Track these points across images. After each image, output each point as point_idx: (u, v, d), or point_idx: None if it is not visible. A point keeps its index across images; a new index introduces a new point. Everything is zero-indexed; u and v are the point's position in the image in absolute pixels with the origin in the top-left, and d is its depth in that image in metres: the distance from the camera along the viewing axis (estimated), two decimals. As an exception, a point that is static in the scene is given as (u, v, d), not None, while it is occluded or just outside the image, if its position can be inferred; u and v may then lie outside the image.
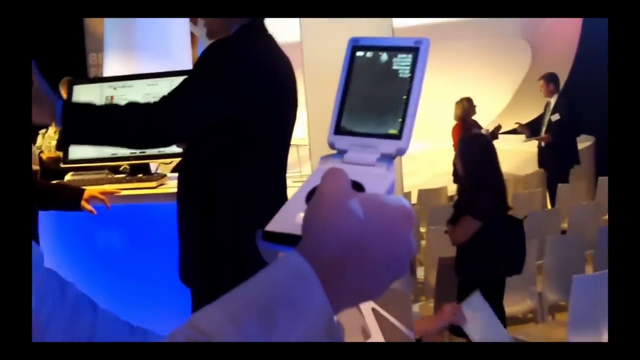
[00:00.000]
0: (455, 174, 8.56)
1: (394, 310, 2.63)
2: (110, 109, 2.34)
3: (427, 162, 10.55)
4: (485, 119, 9.51)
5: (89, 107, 2.34)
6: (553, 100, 8.47)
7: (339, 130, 0.77)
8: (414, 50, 0.75)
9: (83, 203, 2.94)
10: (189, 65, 6.07)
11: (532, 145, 8.96)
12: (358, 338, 2.66)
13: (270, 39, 2.51)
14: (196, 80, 2.34)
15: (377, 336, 2.64)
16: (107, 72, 6.91)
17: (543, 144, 8.58)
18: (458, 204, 4.24)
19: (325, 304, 0.64)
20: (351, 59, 0.78)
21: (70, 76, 3.75)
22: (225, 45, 2.39)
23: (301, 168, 6.43)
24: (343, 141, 0.76)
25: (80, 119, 2.21)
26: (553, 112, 8.39)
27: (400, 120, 0.75)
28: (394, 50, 0.76)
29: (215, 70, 2.33)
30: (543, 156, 8.69)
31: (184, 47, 7.01)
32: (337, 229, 0.66)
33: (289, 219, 0.72)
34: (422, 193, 7.78)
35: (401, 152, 0.75)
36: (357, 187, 0.71)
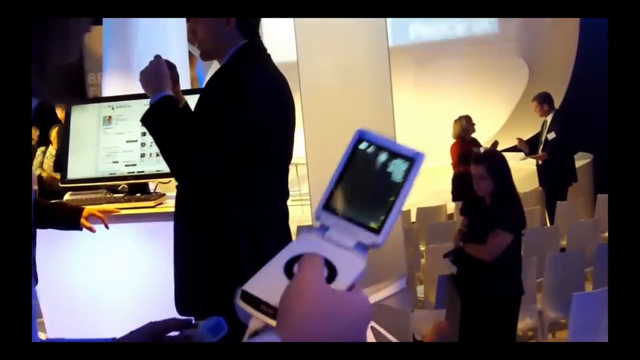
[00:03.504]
0: (457, 191, 8.56)
1: (392, 328, 2.63)
2: (185, 141, 2.41)
3: (425, 180, 10.53)
4: (483, 136, 9.52)
5: (178, 115, 2.48)
6: (549, 119, 8.49)
7: (327, 206, 0.82)
8: (410, 160, 0.81)
9: (82, 221, 2.94)
10: (187, 85, 6.08)
11: (530, 163, 8.98)
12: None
13: (269, 59, 2.53)
14: (214, 121, 2.37)
15: (376, 355, 2.63)
16: (106, 92, 6.92)
17: (540, 162, 8.60)
18: (480, 221, 4.22)
19: None
20: (354, 147, 0.82)
21: (68, 103, 3.74)
22: (230, 76, 2.42)
23: (300, 187, 6.43)
24: (328, 218, 0.82)
25: (164, 117, 2.44)
26: (549, 131, 8.41)
27: (382, 218, 0.80)
28: (394, 154, 0.81)
29: (228, 105, 2.36)
30: (542, 174, 8.70)
31: (182, 66, 7.02)
32: (310, 323, 0.73)
33: (268, 284, 0.78)
34: (420, 211, 7.78)
35: (376, 246, 0.80)
36: (331, 268, 0.78)
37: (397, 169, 0.81)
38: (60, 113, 8.50)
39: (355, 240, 0.80)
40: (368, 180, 0.82)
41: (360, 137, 0.82)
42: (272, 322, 0.78)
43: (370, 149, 0.82)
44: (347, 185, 0.82)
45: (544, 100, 8.61)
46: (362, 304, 0.78)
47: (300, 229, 0.81)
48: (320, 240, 0.81)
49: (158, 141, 2.51)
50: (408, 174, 0.80)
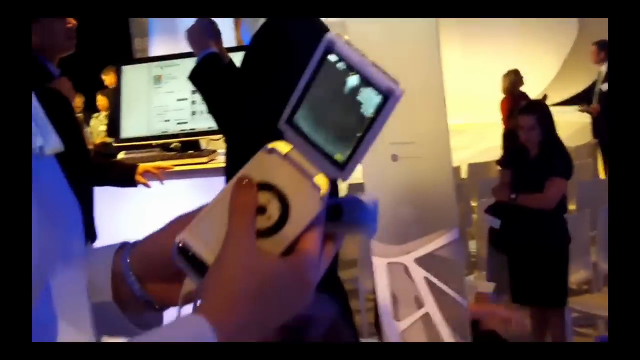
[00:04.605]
0: (510, 144, 8.47)
1: (447, 279, 2.62)
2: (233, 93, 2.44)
3: (474, 136, 10.45)
4: (532, 90, 9.37)
5: (224, 71, 2.52)
6: (604, 69, 8.30)
7: (291, 121, 0.71)
8: (384, 95, 0.67)
9: (138, 177, 2.99)
10: (232, 44, 6.09)
11: (582, 116, 8.83)
12: (411, 308, 2.66)
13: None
14: (261, 76, 2.39)
15: (430, 305, 2.64)
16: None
17: (594, 114, 8.44)
18: (529, 171, 4.21)
19: None
20: (322, 58, 0.69)
21: (117, 61, 3.79)
22: (275, 29, 2.43)
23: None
24: (291, 135, 0.71)
25: (211, 74, 2.48)
26: (604, 81, 8.22)
27: (349, 153, 0.69)
28: (366, 81, 0.67)
29: (274, 59, 2.37)
30: (597, 126, 8.53)
31: (227, 28, 7.04)
32: (243, 293, 0.68)
33: (209, 230, 0.71)
34: (471, 167, 7.73)
35: (339, 180, 0.72)
36: (283, 204, 0.70)
37: (367, 101, 0.67)
38: (105, 78, 8.63)
39: (318, 170, 0.71)
40: (335, 102, 0.69)
41: (328, 47, 0.68)
42: None
43: (340, 65, 0.68)
44: (313, 102, 0.70)
45: (604, 46, 8.37)
46: (302, 271, 0.70)
47: (264, 147, 0.72)
48: (281, 161, 0.71)
49: (206, 97, 2.55)
50: (380, 111, 0.67)
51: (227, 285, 0.68)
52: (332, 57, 0.68)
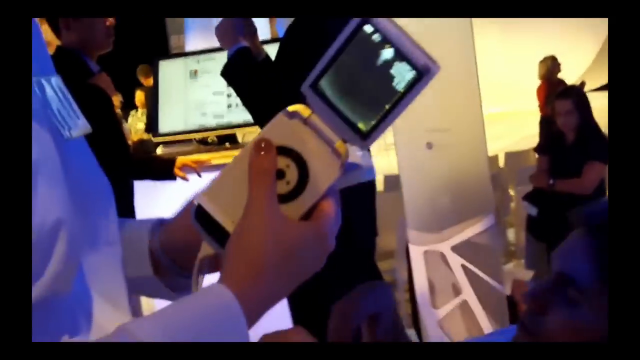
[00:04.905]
0: (547, 131, 8.40)
1: (484, 265, 2.63)
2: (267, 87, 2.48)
3: (511, 124, 10.38)
4: (570, 77, 9.28)
5: (255, 65, 2.55)
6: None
7: (315, 86, 0.70)
8: (418, 71, 0.67)
9: (176, 171, 3.04)
10: (268, 37, 6.13)
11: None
12: (449, 295, 2.67)
13: None
14: (295, 69, 2.42)
15: (468, 292, 2.65)
16: (190, 52, 7.05)
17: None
18: (567, 157, 4.20)
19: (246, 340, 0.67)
20: (358, 27, 0.68)
21: (155, 58, 3.85)
22: (309, 21, 2.46)
23: (385, 136, 6.44)
24: (314, 100, 0.70)
25: (242, 68, 2.51)
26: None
27: (374, 123, 0.69)
28: (401, 55, 0.67)
29: (308, 51, 2.40)
30: None
31: (262, 22, 7.08)
32: (267, 262, 0.68)
33: (228, 195, 0.70)
34: (508, 155, 7.69)
35: (360, 149, 0.70)
36: (302, 168, 0.70)
37: (400, 75, 0.67)
38: (141, 77, 8.72)
39: (339, 137, 0.70)
40: (365, 72, 0.68)
41: (367, 18, 0.68)
42: (223, 253, 0.70)
43: (375, 37, 0.67)
44: (341, 70, 0.69)
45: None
46: (321, 235, 0.71)
47: (284, 110, 0.72)
48: (301, 125, 0.71)
49: (239, 92, 2.59)
50: (412, 87, 0.67)
51: (251, 254, 0.68)
52: (367, 28, 0.68)
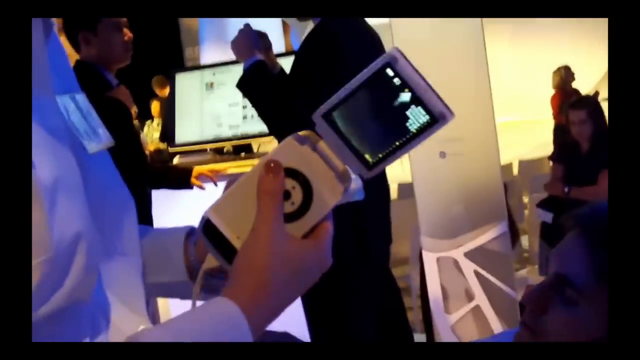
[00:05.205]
0: (561, 139, 8.41)
1: (496, 271, 2.66)
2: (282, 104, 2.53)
3: (525, 133, 10.38)
4: (584, 86, 9.28)
5: (270, 78, 2.59)
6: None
7: (328, 115, 0.73)
8: (433, 117, 0.71)
9: (193, 180, 3.09)
10: (282, 50, 6.19)
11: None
12: (462, 301, 2.71)
13: (362, 18, 2.61)
14: (309, 82, 2.47)
15: (480, 298, 2.68)
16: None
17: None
18: (582, 165, 4.23)
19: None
20: (381, 69, 0.71)
21: (169, 70, 3.91)
22: (324, 35, 2.50)
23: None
24: (324, 129, 0.74)
25: (258, 81, 2.56)
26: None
27: (381, 156, 0.73)
28: (419, 101, 0.71)
29: (323, 66, 2.44)
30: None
31: (276, 34, 7.15)
32: (274, 278, 0.72)
33: (235, 212, 0.74)
34: (522, 164, 7.70)
35: (362, 179, 0.75)
36: (306, 190, 0.74)
37: (415, 118, 0.71)
38: (157, 88, 8.81)
39: (344, 164, 0.74)
40: (380, 111, 0.72)
41: (390, 63, 0.71)
42: (227, 266, 0.74)
43: (396, 81, 0.71)
44: (357, 104, 0.72)
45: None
46: (321, 253, 0.75)
47: (294, 134, 0.76)
48: (310, 151, 0.75)
49: (255, 104, 2.63)
50: (424, 130, 0.71)
51: (258, 270, 0.72)
52: (389, 72, 0.71)
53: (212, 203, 0.76)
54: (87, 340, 0.75)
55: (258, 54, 2.61)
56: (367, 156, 0.73)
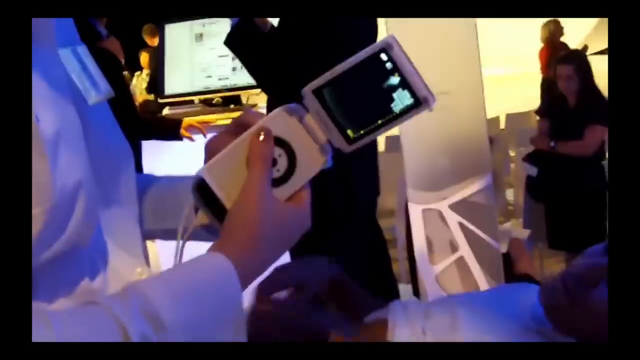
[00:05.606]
0: (549, 94, 8.43)
1: (480, 223, 2.70)
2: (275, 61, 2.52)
3: (513, 86, 10.39)
4: (572, 40, 9.27)
5: (259, 35, 2.55)
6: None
7: (317, 91, 0.79)
8: (417, 100, 0.77)
9: (182, 131, 3.11)
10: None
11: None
12: (446, 252, 2.75)
13: None
14: (298, 36, 2.46)
15: (464, 249, 2.73)
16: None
17: None
18: (568, 119, 4.26)
19: (241, 314, 0.75)
20: (376, 52, 0.77)
21: (161, 21, 3.90)
22: None
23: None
24: (312, 102, 0.79)
25: (245, 38, 2.52)
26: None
27: (362, 132, 0.79)
28: (406, 84, 0.77)
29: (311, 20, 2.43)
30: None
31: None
32: (262, 235, 0.77)
33: (227, 173, 0.79)
34: (509, 117, 7.73)
35: (342, 151, 0.81)
36: (291, 158, 0.80)
37: (400, 100, 0.77)
38: (147, 37, 8.72)
39: (327, 137, 0.80)
40: (368, 91, 0.78)
41: (386, 49, 0.76)
42: (217, 224, 0.80)
43: (388, 65, 0.76)
44: (346, 83, 0.78)
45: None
46: (302, 215, 0.81)
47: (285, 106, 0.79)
48: (297, 123, 0.80)
49: (243, 61, 2.63)
50: (407, 111, 0.77)
51: (248, 227, 0.77)
52: (383, 56, 0.77)
53: (206, 163, 0.82)
54: (86, 280, 0.80)
55: None
56: (349, 131, 0.79)
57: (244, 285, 0.77)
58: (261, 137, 0.79)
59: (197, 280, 0.74)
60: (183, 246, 0.83)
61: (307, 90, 0.79)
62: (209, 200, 0.80)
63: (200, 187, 0.80)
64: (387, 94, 0.77)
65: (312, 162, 0.81)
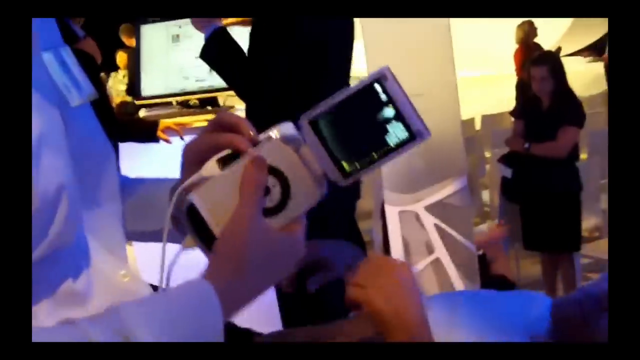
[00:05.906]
0: (523, 95, 8.51)
1: (456, 225, 2.73)
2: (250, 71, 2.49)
3: (488, 88, 10.47)
4: (547, 41, 9.36)
5: (233, 44, 2.51)
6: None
7: (313, 122, 0.79)
8: (411, 134, 0.77)
9: (159, 133, 3.11)
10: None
11: (594, 67, 8.83)
12: (423, 253, 2.78)
13: None
14: (272, 42, 2.44)
15: (440, 251, 2.76)
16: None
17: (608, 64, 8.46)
18: (542, 121, 4.29)
19: (220, 340, 0.74)
20: (370, 84, 0.77)
21: (136, 22, 3.88)
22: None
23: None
24: (309, 134, 0.79)
25: (220, 49, 2.47)
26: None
27: (358, 167, 0.79)
28: (401, 117, 0.77)
29: (284, 24, 2.42)
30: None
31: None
32: (250, 264, 0.76)
33: (216, 200, 0.77)
34: (485, 118, 7.79)
35: (337, 184, 0.80)
36: (285, 190, 0.79)
37: (395, 133, 0.77)
38: (124, 37, 8.67)
39: (323, 170, 0.79)
40: (363, 122, 0.78)
41: (380, 79, 0.77)
42: (204, 250, 0.78)
43: (382, 96, 0.77)
44: (342, 114, 0.78)
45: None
46: (295, 245, 0.80)
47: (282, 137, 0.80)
48: (293, 153, 0.79)
49: (221, 74, 2.59)
50: (403, 145, 0.77)
51: (236, 256, 0.76)
52: (378, 87, 0.77)
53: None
54: (69, 281, 0.80)
55: (217, 21, 2.53)
56: (345, 164, 0.79)
57: (230, 312, 0.76)
58: (255, 165, 0.78)
59: (178, 305, 0.74)
60: (168, 263, 0.82)
61: (304, 121, 0.79)
62: (197, 225, 0.78)
63: (191, 212, 0.78)
64: (382, 126, 0.77)
65: (307, 193, 0.80)
